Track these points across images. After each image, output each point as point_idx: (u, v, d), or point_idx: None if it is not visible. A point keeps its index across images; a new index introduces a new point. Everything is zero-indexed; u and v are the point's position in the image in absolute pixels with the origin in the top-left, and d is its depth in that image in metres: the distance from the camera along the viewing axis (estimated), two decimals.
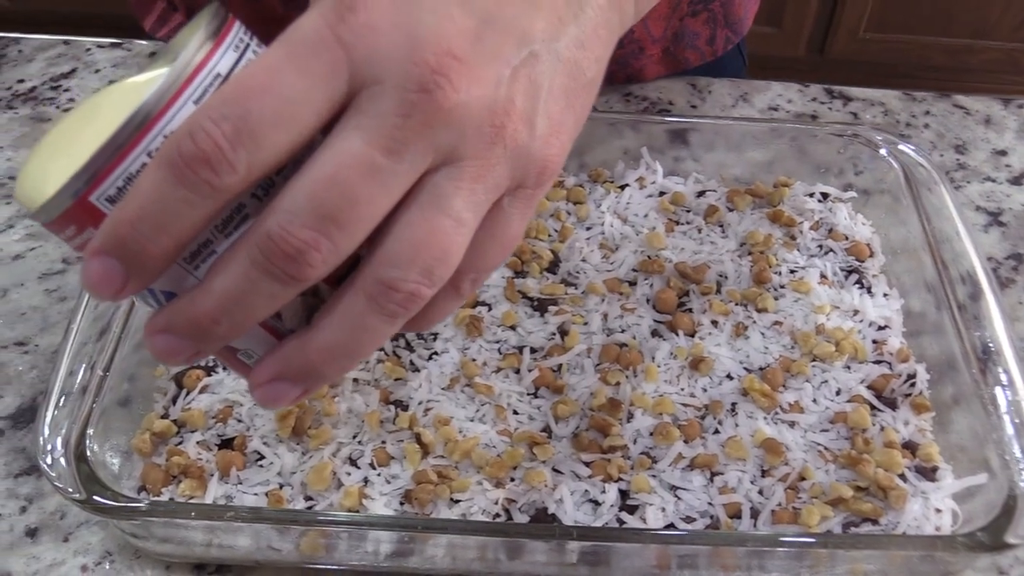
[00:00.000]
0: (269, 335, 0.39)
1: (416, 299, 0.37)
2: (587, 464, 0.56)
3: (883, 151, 0.70)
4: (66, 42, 0.92)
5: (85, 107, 0.40)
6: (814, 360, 0.61)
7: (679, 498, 0.55)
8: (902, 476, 0.55)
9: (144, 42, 0.92)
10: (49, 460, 0.51)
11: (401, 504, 0.54)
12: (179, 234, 0.35)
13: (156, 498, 0.54)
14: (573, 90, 0.40)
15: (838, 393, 0.60)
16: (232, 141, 0.33)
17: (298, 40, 0.35)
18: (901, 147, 0.69)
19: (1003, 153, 0.81)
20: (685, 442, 0.57)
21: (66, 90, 0.86)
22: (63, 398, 0.54)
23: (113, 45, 0.91)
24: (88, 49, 0.91)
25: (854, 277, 0.66)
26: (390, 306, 0.37)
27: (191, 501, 0.54)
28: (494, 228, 0.39)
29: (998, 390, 0.55)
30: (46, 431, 0.52)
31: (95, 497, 0.50)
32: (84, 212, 0.36)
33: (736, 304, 0.64)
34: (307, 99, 0.34)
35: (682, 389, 0.60)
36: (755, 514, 0.54)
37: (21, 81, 0.87)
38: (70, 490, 0.50)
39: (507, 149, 0.37)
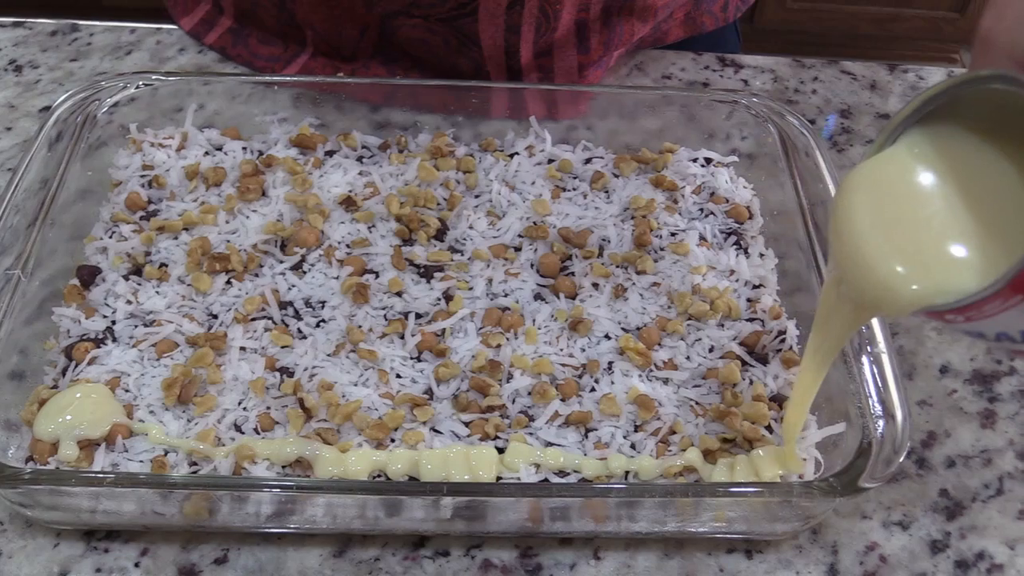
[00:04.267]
0: None
1: None
2: (466, 424, 0.58)
3: (762, 117, 0.72)
4: None
5: None
6: (689, 319, 0.63)
7: None
8: (768, 428, 0.58)
9: (48, 20, 0.91)
10: None
11: (283, 468, 0.56)
12: None
13: (41, 467, 0.55)
14: None
15: (711, 350, 0.62)
16: None
17: None
18: (780, 112, 0.72)
19: (887, 117, 0.83)
20: (562, 400, 0.59)
21: None
22: None
23: (15, 24, 0.91)
24: None
25: (733, 239, 0.68)
26: None
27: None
28: None
29: (859, 344, 0.57)
30: None
31: None
32: None
33: (617, 267, 0.66)
34: None
35: (561, 350, 0.62)
36: None
37: None
38: None
39: None
